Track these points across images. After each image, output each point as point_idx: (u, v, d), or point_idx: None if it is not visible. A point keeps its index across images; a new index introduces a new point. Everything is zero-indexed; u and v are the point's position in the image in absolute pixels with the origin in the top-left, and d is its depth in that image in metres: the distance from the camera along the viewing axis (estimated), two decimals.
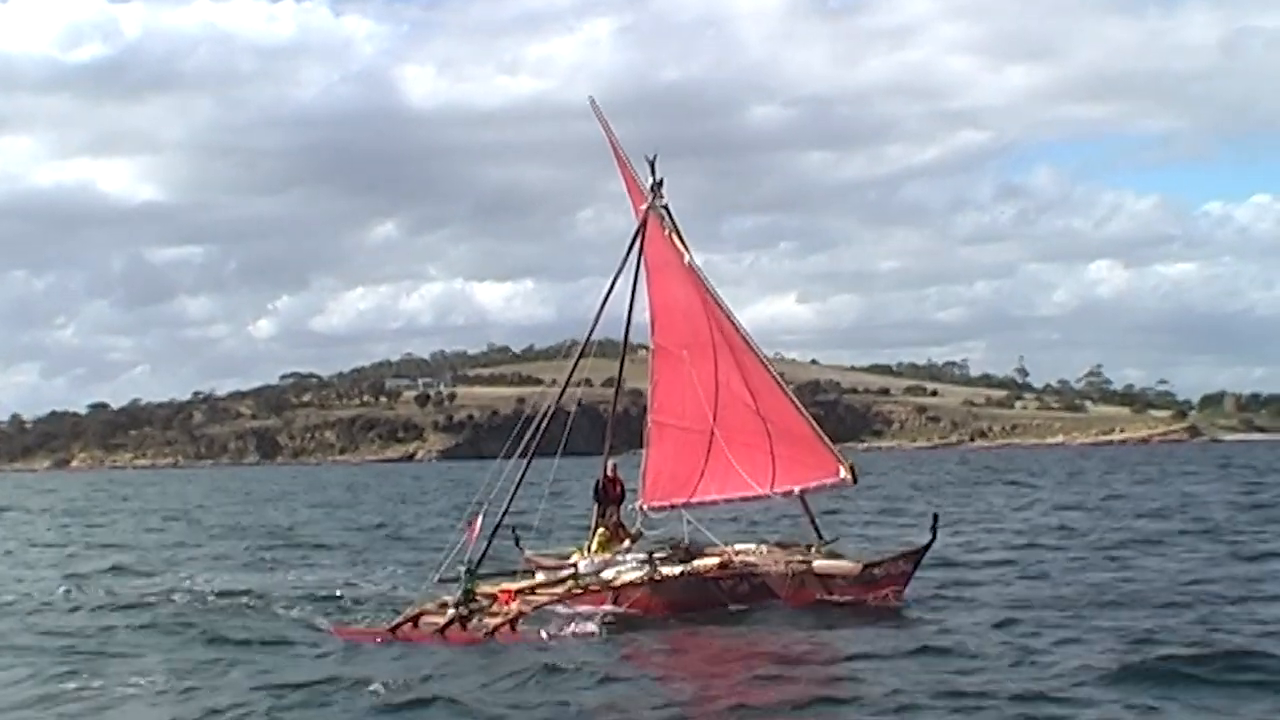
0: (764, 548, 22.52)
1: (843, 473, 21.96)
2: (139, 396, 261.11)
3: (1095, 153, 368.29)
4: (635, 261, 24.10)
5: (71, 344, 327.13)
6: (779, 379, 23.33)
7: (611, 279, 23.80)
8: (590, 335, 23.69)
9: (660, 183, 23.90)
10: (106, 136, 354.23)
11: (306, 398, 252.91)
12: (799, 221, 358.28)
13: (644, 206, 24.00)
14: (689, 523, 23.17)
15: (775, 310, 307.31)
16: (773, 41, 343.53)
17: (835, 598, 20.76)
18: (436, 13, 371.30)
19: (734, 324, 23.20)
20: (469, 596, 20.02)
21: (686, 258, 23.58)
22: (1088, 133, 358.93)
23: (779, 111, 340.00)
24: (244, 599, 23.72)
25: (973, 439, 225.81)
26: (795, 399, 23.04)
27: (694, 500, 23.57)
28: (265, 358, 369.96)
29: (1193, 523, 36.05)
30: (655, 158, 23.91)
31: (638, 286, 24.23)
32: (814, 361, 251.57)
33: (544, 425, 22.51)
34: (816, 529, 22.78)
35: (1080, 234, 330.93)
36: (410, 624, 19.95)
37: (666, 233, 23.81)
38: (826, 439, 22.30)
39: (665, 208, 23.92)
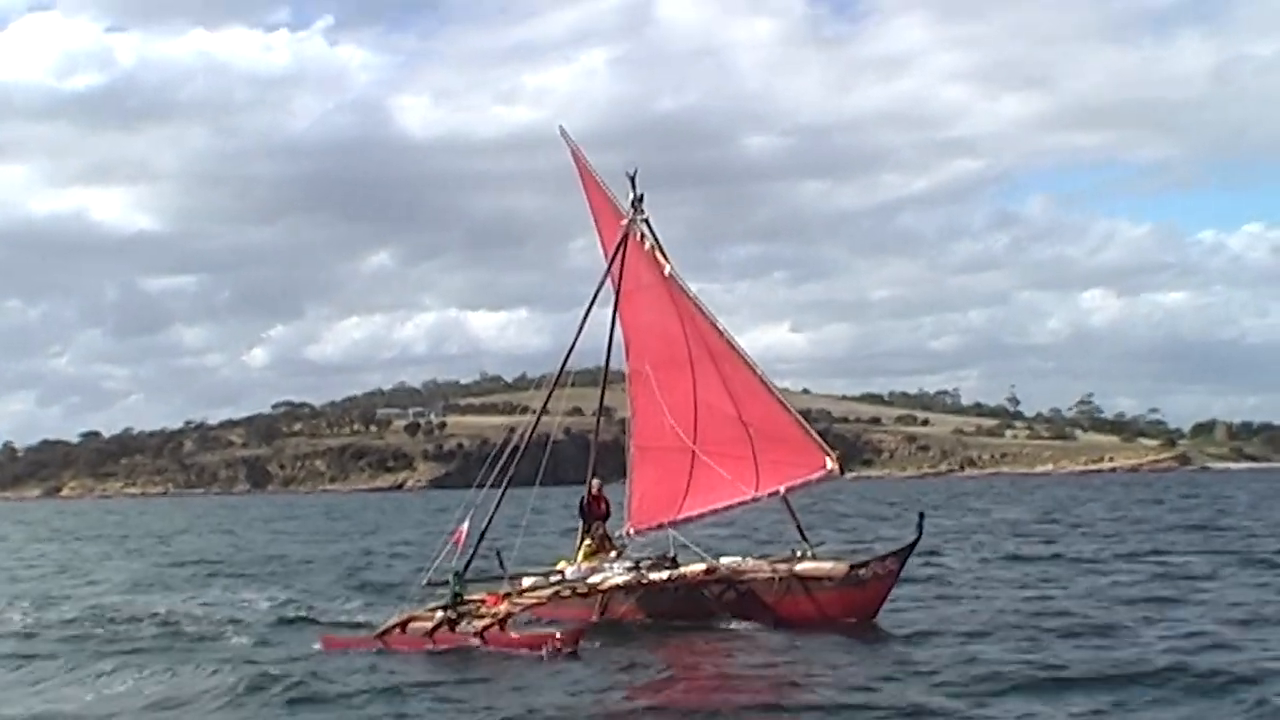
0: (749, 560, 22.60)
1: (829, 464, 22.02)
2: (132, 425, 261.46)
3: (1088, 181, 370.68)
4: (616, 283, 24.17)
5: (66, 373, 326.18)
6: (764, 378, 23.15)
7: (587, 306, 23.97)
8: (565, 363, 23.86)
9: (641, 198, 23.98)
10: (101, 165, 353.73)
11: (297, 427, 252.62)
12: (793, 250, 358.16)
13: (624, 223, 24.04)
14: (676, 540, 23.23)
15: (769, 339, 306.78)
16: (767, 71, 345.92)
17: (825, 614, 20.66)
18: (432, 43, 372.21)
19: (717, 330, 23.18)
20: (457, 600, 20.14)
21: (667, 269, 23.61)
22: (1081, 161, 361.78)
23: (774, 141, 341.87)
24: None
25: (962, 468, 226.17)
26: (781, 397, 23.04)
27: (680, 517, 23.61)
28: (259, 386, 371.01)
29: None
30: (636, 172, 24.07)
31: (615, 313, 24.27)
32: (806, 391, 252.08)
33: (522, 453, 22.65)
34: (801, 532, 22.74)
35: (1073, 262, 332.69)
36: (399, 629, 20.17)
37: (648, 247, 23.83)
38: (813, 433, 22.44)
39: (646, 221, 24.00)
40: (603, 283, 24.18)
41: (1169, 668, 16.33)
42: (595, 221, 25.09)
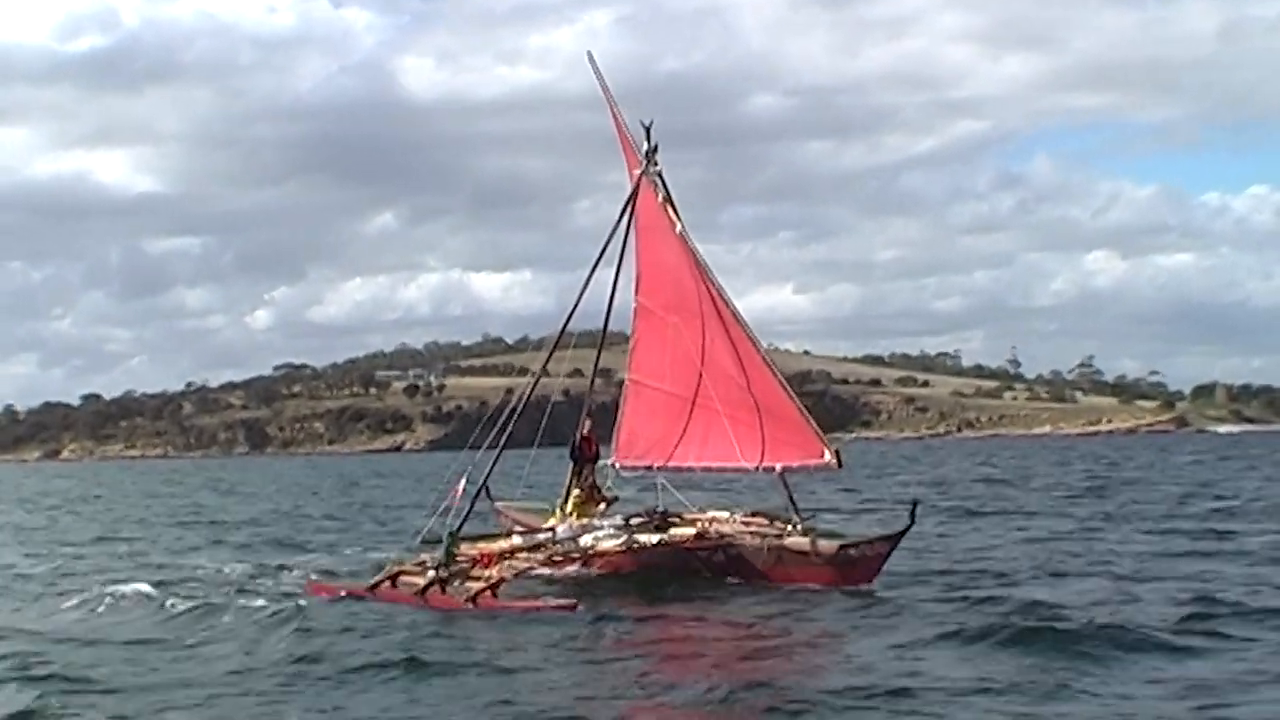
0: (738, 516, 22.58)
1: (828, 456, 21.90)
2: (133, 388, 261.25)
3: (1093, 142, 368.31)
4: (626, 225, 24.10)
5: (69, 335, 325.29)
6: (768, 358, 23.14)
7: (601, 248, 23.92)
8: (565, 324, 23.73)
9: (655, 148, 23.85)
10: (104, 127, 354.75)
11: (297, 389, 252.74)
12: (798, 211, 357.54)
13: (638, 171, 23.97)
14: (663, 486, 23.32)
15: (773, 300, 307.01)
16: (772, 31, 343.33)
17: (810, 584, 20.58)
18: (436, 3, 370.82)
19: (725, 298, 23.04)
20: (450, 558, 20.10)
21: (678, 227, 23.47)
22: (1086, 122, 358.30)
23: (778, 101, 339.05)
24: None
25: (960, 429, 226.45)
26: (784, 382, 22.82)
27: (670, 464, 23.59)
28: (263, 348, 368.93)
29: None
30: (651, 124, 23.91)
31: (626, 247, 24.25)
32: (807, 352, 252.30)
33: (519, 414, 22.59)
34: (795, 507, 22.40)
35: (1078, 224, 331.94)
36: (389, 582, 20.17)
37: (660, 199, 23.73)
38: (813, 423, 22.21)
39: (659, 174, 23.87)
40: (615, 229, 24.06)
41: None
42: (623, 153, 24.90)
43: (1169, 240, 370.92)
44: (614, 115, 24.89)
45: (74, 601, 21.18)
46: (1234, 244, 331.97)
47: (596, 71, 25.00)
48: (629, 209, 24.06)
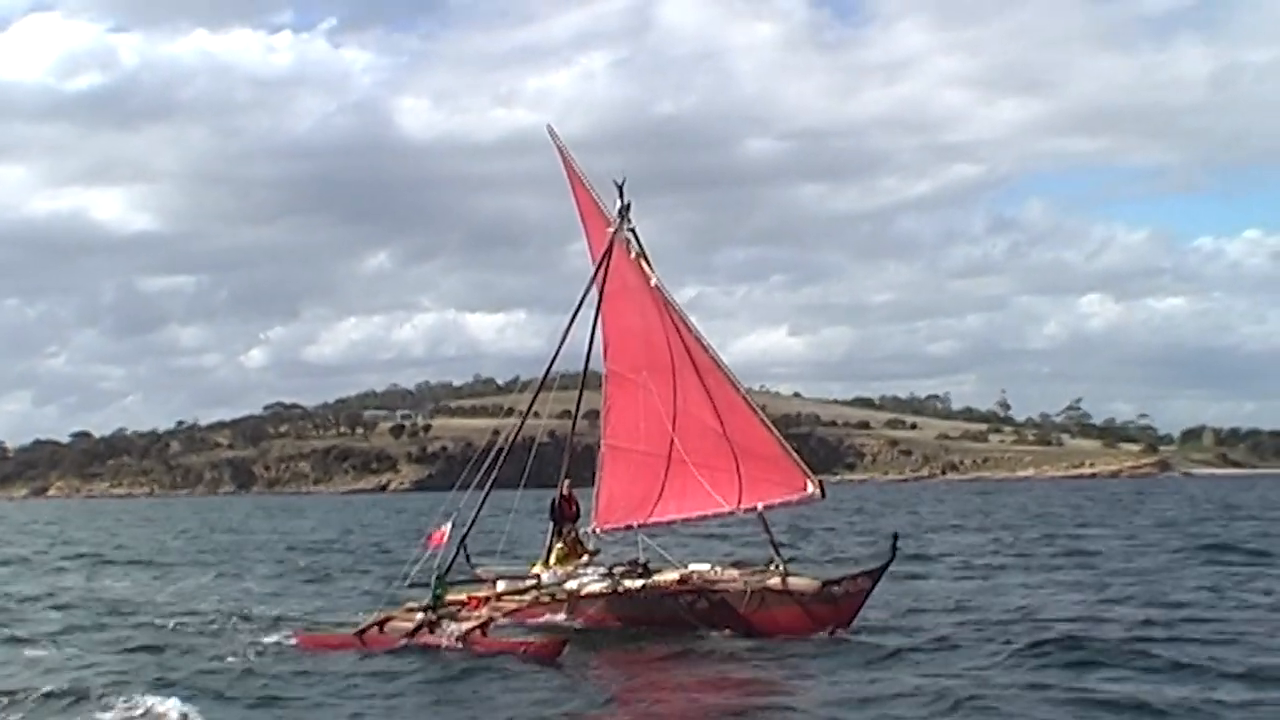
0: (719, 569, 22.64)
1: (810, 488, 21.88)
2: (125, 426, 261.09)
3: (1087, 186, 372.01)
4: (600, 285, 24.10)
5: (63, 372, 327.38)
6: (746, 398, 23.12)
7: (573, 310, 23.90)
8: (549, 367, 23.75)
9: (628, 206, 23.82)
10: (101, 165, 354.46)
11: (284, 428, 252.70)
12: (791, 254, 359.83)
13: (610, 230, 23.89)
14: (644, 544, 23.39)
15: (767, 343, 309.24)
16: (768, 75, 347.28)
17: (795, 630, 20.67)
18: (434, 44, 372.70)
19: (702, 345, 23.02)
20: (438, 602, 20.32)
21: (653, 280, 23.47)
22: (1080, 166, 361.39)
23: (773, 144, 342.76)
24: None
25: (944, 472, 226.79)
26: (764, 419, 22.81)
27: (650, 521, 23.64)
28: (256, 387, 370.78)
29: None
30: (624, 181, 23.84)
31: (599, 314, 24.24)
32: (797, 394, 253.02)
33: (506, 456, 22.76)
34: (775, 548, 22.39)
35: (1071, 267, 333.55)
36: (377, 629, 20.33)
37: (633, 256, 23.74)
38: (795, 455, 22.26)
39: (632, 230, 23.83)
40: (589, 287, 24.12)
41: None
42: (583, 224, 25.04)
43: (1162, 284, 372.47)
44: (576, 185, 24.87)
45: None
46: (1227, 288, 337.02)
47: (559, 145, 25.00)
48: (600, 272, 24.08)
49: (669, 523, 23.96)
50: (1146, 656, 17.77)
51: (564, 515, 24.11)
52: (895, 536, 21.91)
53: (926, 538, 46.50)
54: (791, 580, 21.47)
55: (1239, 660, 17.41)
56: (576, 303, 24.08)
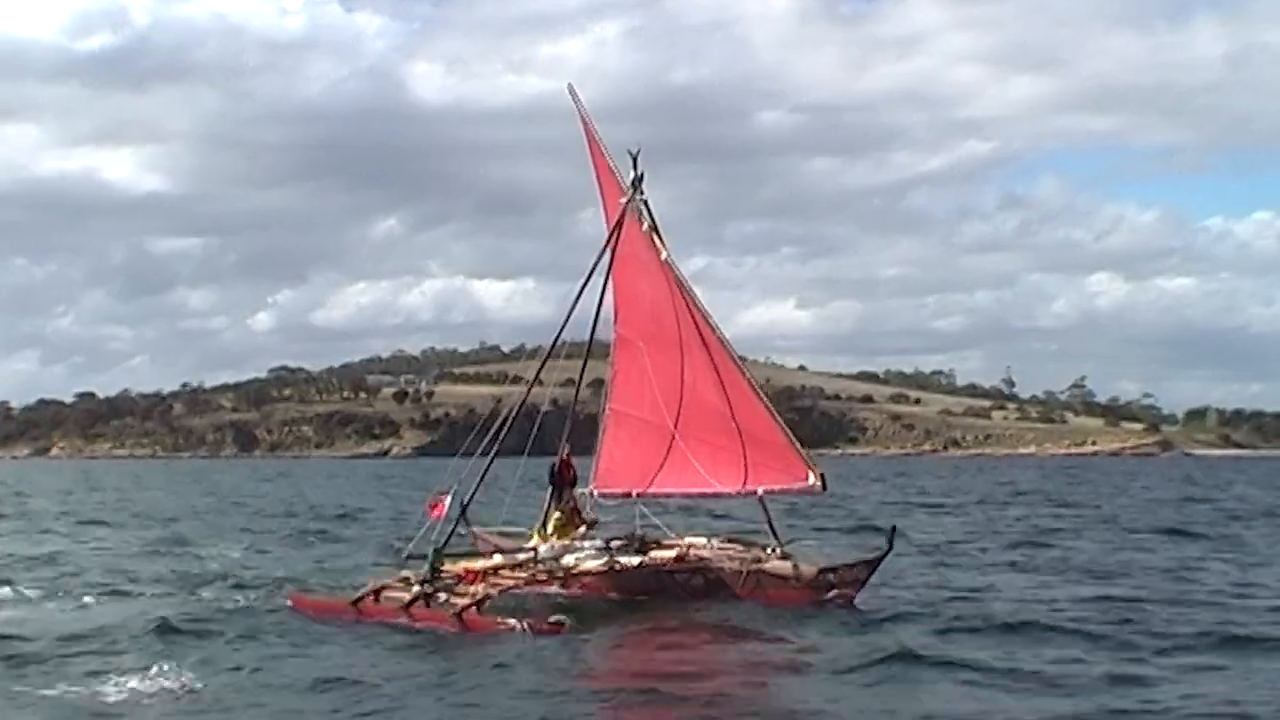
0: (715, 542, 22.61)
1: (811, 479, 21.76)
2: (130, 387, 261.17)
3: (1098, 165, 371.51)
4: (610, 256, 23.92)
5: (71, 333, 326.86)
6: (753, 385, 22.97)
7: (584, 278, 23.73)
8: (558, 335, 23.59)
9: (641, 177, 23.60)
10: (112, 126, 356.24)
11: (288, 392, 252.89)
12: (801, 227, 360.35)
13: (623, 201, 23.70)
14: (641, 514, 23.40)
15: (774, 315, 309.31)
16: (781, 46, 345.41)
17: (789, 601, 20.64)
18: (447, 10, 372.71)
19: (710, 325, 22.83)
20: (435, 574, 20.19)
21: (664, 254, 23.29)
22: (1091, 144, 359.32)
23: (785, 117, 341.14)
24: None
25: (945, 448, 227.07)
26: (769, 405, 22.70)
27: (649, 491, 23.58)
28: (263, 351, 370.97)
29: None
30: (638, 152, 23.65)
31: (609, 279, 24.05)
32: (803, 367, 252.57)
33: (510, 423, 22.76)
34: (774, 532, 22.40)
35: (1081, 245, 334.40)
36: (372, 597, 20.13)
37: (645, 228, 23.55)
38: (799, 446, 22.15)
39: (645, 203, 23.65)
40: (602, 253, 23.92)
41: None
42: (599, 187, 24.78)
43: (1171, 264, 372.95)
44: (594, 149, 24.70)
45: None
46: (1236, 269, 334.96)
47: (579, 104, 24.80)
48: (613, 239, 23.94)
49: (667, 496, 23.97)
50: (1078, 634, 18.22)
51: (563, 480, 24.05)
52: (893, 529, 21.85)
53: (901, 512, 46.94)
54: (788, 564, 21.47)
55: (1167, 633, 18.28)
56: (589, 269, 23.92)
